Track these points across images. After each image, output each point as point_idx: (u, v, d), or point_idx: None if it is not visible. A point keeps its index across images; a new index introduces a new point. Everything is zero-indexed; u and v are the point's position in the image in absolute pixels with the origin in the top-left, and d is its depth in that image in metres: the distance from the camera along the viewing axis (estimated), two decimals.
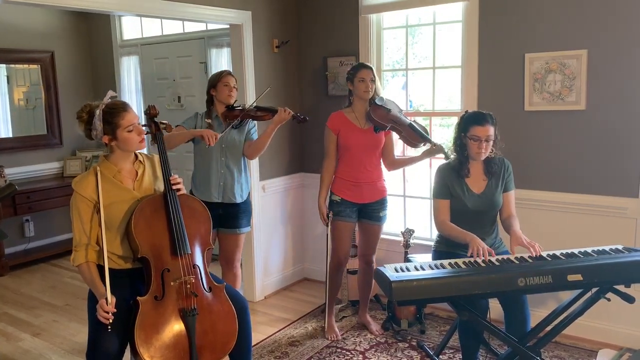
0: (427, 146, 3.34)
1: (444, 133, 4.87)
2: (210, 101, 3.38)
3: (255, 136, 3.44)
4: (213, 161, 3.27)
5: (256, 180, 4.17)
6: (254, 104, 3.38)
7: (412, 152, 3.76)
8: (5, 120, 5.36)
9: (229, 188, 3.31)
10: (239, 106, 3.39)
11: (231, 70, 3.49)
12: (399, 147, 3.87)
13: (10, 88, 5.39)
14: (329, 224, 3.50)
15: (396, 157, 3.58)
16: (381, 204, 3.48)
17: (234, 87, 3.33)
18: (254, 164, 4.13)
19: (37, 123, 5.59)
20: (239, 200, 3.35)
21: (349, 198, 3.42)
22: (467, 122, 2.83)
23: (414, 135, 3.32)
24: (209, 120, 3.31)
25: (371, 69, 3.35)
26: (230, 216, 3.33)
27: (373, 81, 3.33)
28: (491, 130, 2.80)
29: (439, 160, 3.35)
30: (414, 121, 3.42)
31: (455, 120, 3.82)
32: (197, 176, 3.37)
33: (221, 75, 3.34)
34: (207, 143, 3.10)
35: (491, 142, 2.81)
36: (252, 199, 4.14)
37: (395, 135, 3.46)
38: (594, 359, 3.14)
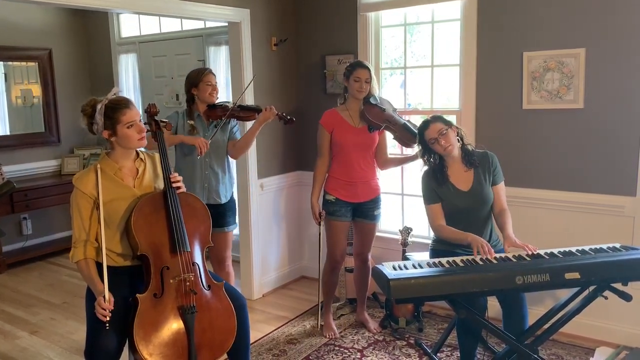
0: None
1: None
2: (191, 100, 3.31)
3: (238, 135, 3.40)
4: (197, 163, 3.23)
5: (254, 178, 4.17)
6: (238, 104, 3.33)
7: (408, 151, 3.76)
8: (3, 118, 5.35)
9: (213, 189, 3.28)
10: (221, 105, 3.33)
11: (212, 69, 3.43)
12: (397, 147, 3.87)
13: (8, 85, 5.37)
14: (322, 223, 3.50)
15: (389, 157, 3.58)
16: (375, 202, 3.47)
17: (216, 85, 3.28)
18: (252, 162, 4.13)
19: (34, 121, 5.57)
20: (223, 200, 3.32)
21: (343, 197, 3.41)
22: (420, 134, 2.92)
23: (408, 135, 3.32)
24: (192, 122, 3.25)
25: (368, 69, 3.32)
26: (217, 216, 3.28)
27: (368, 82, 3.31)
28: (439, 126, 2.85)
29: None
30: (408, 121, 3.42)
31: (453, 119, 3.83)
32: None
33: (203, 74, 3.27)
34: (198, 153, 3.10)
35: (449, 135, 2.83)
36: (249, 196, 4.15)
37: (389, 135, 3.45)
38: (591, 357, 3.15)
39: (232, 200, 3.44)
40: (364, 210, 3.46)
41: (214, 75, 3.31)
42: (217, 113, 3.27)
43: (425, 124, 2.90)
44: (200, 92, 3.26)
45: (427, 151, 2.93)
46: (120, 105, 2.34)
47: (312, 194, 3.49)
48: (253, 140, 3.32)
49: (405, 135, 3.33)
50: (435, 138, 2.83)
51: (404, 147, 3.70)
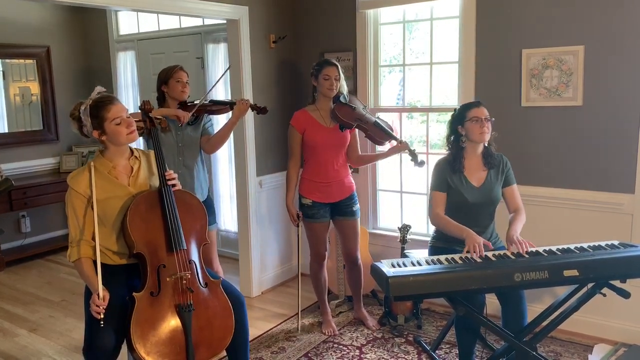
0: (393, 143, 3.33)
1: (441, 129, 4.87)
2: (161, 98, 3.26)
3: (211, 130, 3.37)
4: (170, 162, 3.13)
5: (253, 176, 4.17)
6: (209, 98, 3.28)
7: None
8: (1, 116, 5.34)
9: (188, 188, 3.16)
10: (192, 102, 3.27)
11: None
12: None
13: (6, 83, 5.36)
14: (300, 224, 3.50)
15: (361, 154, 3.57)
16: (351, 199, 3.48)
17: (187, 82, 3.22)
18: (251, 160, 4.13)
19: (32, 118, 5.56)
20: (200, 198, 3.19)
21: (319, 199, 3.40)
22: (463, 111, 2.88)
23: (380, 133, 3.32)
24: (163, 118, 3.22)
25: (336, 66, 3.31)
26: None
27: (337, 79, 3.30)
28: (486, 111, 2.85)
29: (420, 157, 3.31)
30: (379, 118, 3.41)
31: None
32: None
33: (172, 70, 3.19)
34: (180, 122, 3.05)
35: (490, 125, 2.84)
36: (248, 194, 4.15)
37: (361, 134, 3.43)
38: (590, 354, 3.15)
39: (209, 198, 3.38)
40: (342, 208, 3.46)
41: (185, 72, 3.23)
42: (189, 110, 3.19)
43: (475, 104, 2.87)
44: (170, 90, 3.19)
45: (455, 134, 2.90)
46: (104, 102, 2.33)
47: (286, 196, 3.48)
48: (229, 135, 3.28)
49: (376, 132, 3.32)
50: (481, 118, 2.81)
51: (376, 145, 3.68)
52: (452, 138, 2.93)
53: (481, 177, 2.91)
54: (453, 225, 2.77)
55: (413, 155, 3.20)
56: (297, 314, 3.73)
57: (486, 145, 2.92)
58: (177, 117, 3.08)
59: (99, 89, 2.39)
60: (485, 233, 2.91)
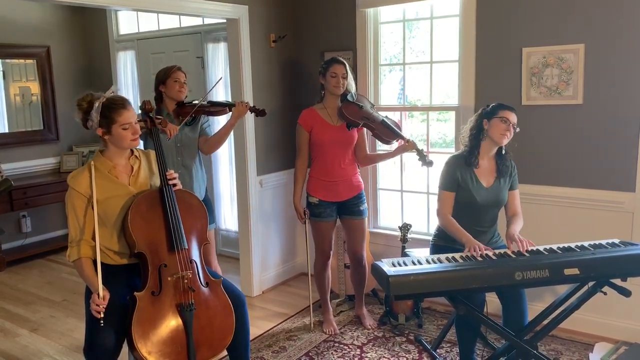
0: (401, 142, 3.33)
1: (441, 128, 4.87)
2: (159, 98, 3.26)
3: (209, 130, 3.37)
4: (169, 162, 3.12)
5: (253, 176, 4.17)
6: (207, 99, 3.30)
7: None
8: (1, 116, 5.34)
9: (187, 188, 3.12)
10: (190, 102, 3.27)
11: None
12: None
13: (6, 83, 5.36)
14: (306, 222, 3.50)
15: (369, 153, 3.57)
16: (359, 198, 3.47)
17: (185, 82, 3.23)
18: (251, 159, 4.13)
19: (33, 118, 5.56)
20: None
21: (326, 198, 3.40)
22: (496, 108, 2.87)
23: (387, 132, 3.31)
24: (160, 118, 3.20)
25: (344, 64, 3.32)
26: None
27: (345, 77, 3.30)
28: (516, 119, 2.84)
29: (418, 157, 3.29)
30: (386, 117, 3.41)
31: (452, 115, 3.83)
32: None
33: (170, 70, 3.21)
34: (168, 136, 3.04)
35: (513, 132, 2.83)
36: (249, 193, 4.15)
37: (368, 132, 3.43)
38: (590, 352, 3.16)
39: (206, 198, 3.38)
40: (349, 207, 3.45)
41: (183, 72, 3.25)
42: (187, 110, 3.19)
43: (510, 107, 2.87)
44: (167, 90, 3.20)
45: (479, 129, 2.89)
46: (117, 105, 2.33)
47: (294, 194, 3.49)
48: (228, 136, 3.29)
49: (383, 131, 3.31)
50: (509, 121, 2.80)
51: (383, 144, 3.67)
52: (474, 132, 2.92)
53: (491, 178, 2.91)
54: (456, 229, 2.77)
55: (421, 154, 3.18)
56: (309, 306, 3.72)
57: (503, 152, 2.91)
58: (163, 132, 3.05)
59: (113, 88, 2.40)
60: (487, 233, 2.92)
